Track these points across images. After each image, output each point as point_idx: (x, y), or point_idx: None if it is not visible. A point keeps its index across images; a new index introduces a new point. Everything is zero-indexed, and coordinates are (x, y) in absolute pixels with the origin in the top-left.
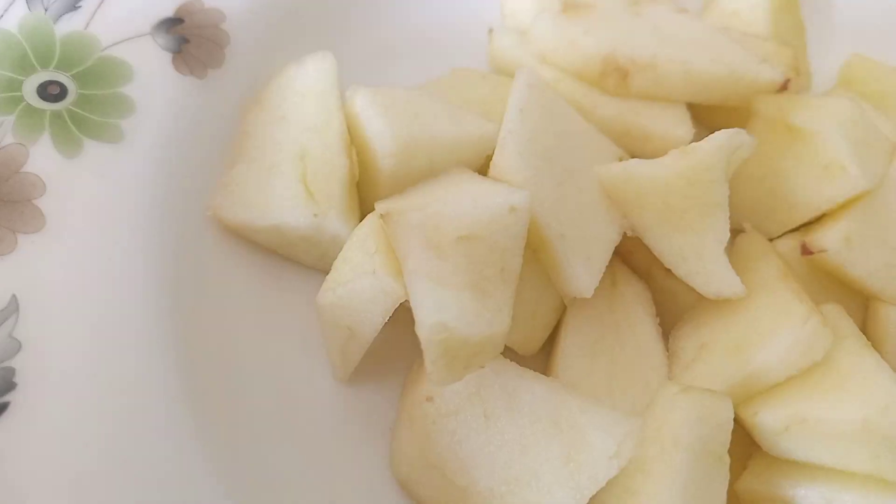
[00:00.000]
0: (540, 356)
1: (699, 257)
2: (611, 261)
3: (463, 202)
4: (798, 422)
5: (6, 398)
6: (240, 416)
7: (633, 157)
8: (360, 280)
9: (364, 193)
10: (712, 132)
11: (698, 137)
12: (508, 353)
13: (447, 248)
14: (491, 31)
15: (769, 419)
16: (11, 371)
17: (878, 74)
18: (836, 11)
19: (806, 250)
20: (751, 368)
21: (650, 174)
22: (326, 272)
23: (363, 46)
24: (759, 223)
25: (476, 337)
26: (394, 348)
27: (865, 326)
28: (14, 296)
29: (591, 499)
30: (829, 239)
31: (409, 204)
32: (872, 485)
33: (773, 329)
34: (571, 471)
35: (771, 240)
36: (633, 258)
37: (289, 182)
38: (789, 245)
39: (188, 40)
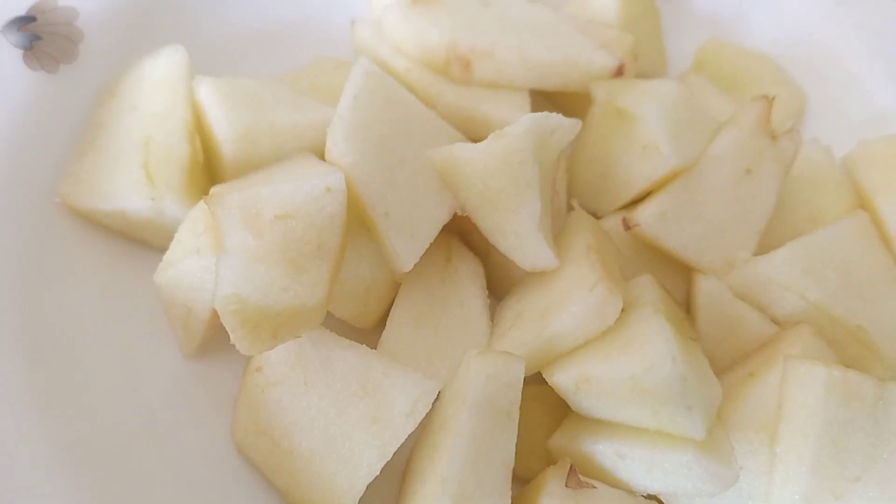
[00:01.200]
0: (381, 329)
1: (516, 234)
2: (448, 239)
3: (283, 183)
4: (584, 381)
5: None
6: (84, 394)
7: (475, 142)
8: (187, 259)
9: (214, 178)
10: None
11: None
12: (349, 328)
13: (265, 226)
14: (353, 21)
15: (562, 380)
16: None
17: (731, 56)
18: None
19: (626, 225)
20: (547, 333)
21: (471, 157)
22: None
23: (230, 38)
24: (594, 202)
25: (278, 307)
26: None
27: (689, 295)
28: None
29: (411, 455)
30: (644, 214)
31: (235, 186)
32: (659, 439)
33: (567, 297)
34: (377, 429)
35: (601, 217)
36: (472, 237)
37: (132, 168)
38: (616, 221)
39: (40, 37)
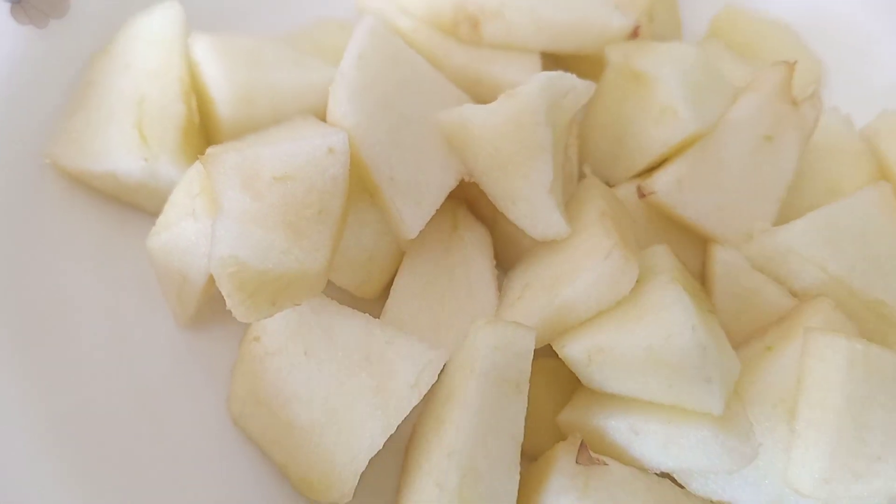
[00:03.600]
0: (384, 300)
1: (526, 200)
2: (455, 206)
3: (283, 144)
4: (597, 352)
5: None
6: (74, 365)
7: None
8: (181, 222)
9: (210, 140)
10: None
11: None
12: (350, 297)
13: (264, 188)
14: None
15: (574, 351)
16: None
17: (747, 24)
18: None
19: (641, 193)
20: (559, 303)
21: (480, 119)
22: None
23: None
24: (607, 169)
25: (277, 272)
26: None
27: (704, 266)
28: None
29: (415, 428)
30: (660, 181)
31: (232, 147)
32: (675, 414)
33: (580, 265)
34: (380, 400)
35: (614, 185)
36: (479, 204)
37: (124, 128)
38: (630, 190)
39: None
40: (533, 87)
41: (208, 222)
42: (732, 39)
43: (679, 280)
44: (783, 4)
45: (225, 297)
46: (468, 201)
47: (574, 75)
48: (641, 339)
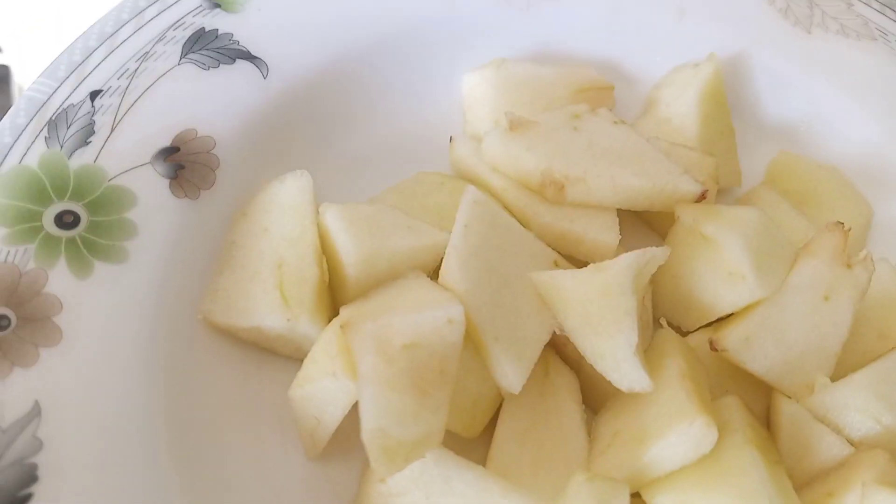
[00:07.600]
0: (484, 437)
1: (613, 356)
2: (545, 352)
3: (409, 314)
4: None
5: (30, 489)
6: (224, 489)
7: (568, 258)
8: (322, 379)
9: (335, 294)
10: (650, 230)
11: (637, 237)
12: (455, 436)
13: (394, 354)
14: (452, 139)
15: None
16: (34, 466)
17: (802, 171)
18: (766, 114)
19: (713, 347)
20: (647, 458)
21: (572, 285)
22: (301, 361)
23: (340, 159)
24: (679, 318)
25: (413, 436)
26: (359, 430)
27: (770, 414)
28: (37, 401)
29: None
30: (730, 339)
31: (365, 312)
32: None
33: (666, 425)
34: None
35: (687, 333)
36: (565, 350)
37: (267, 288)
38: (702, 339)
39: (183, 166)
40: (621, 263)
41: (346, 380)
42: (787, 186)
43: (752, 439)
44: (835, 150)
45: (371, 461)
46: (556, 346)
47: (653, 248)
48: (722, 502)
